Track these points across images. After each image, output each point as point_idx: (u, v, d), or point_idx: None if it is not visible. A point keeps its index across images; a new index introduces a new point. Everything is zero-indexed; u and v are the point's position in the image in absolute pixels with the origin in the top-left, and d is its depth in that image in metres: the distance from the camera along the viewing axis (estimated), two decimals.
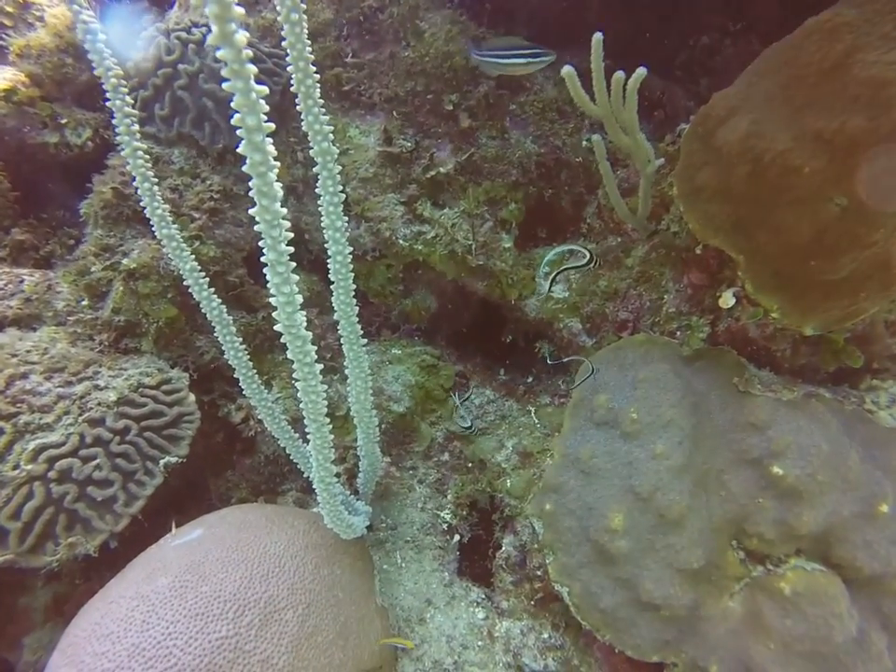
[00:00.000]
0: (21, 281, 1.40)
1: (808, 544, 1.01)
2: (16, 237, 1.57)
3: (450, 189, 1.63)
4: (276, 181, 0.52)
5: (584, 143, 1.81)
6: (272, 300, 0.61)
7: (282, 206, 0.56)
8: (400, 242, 1.57)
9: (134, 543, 1.23)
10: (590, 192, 1.82)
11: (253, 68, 0.46)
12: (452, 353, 1.77)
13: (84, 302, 1.38)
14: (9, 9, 1.68)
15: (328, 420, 0.80)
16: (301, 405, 0.76)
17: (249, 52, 0.45)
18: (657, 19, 2.09)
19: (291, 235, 0.57)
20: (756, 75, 0.97)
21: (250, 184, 0.52)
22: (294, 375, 0.71)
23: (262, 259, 0.58)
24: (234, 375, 1.21)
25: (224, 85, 0.47)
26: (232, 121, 0.49)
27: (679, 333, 1.41)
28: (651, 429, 1.23)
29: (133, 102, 0.86)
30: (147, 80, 1.52)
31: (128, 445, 1.16)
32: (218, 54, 0.45)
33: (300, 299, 0.62)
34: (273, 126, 0.50)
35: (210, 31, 1.51)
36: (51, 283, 1.42)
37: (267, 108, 0.49)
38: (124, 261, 1.36)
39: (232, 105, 0.48)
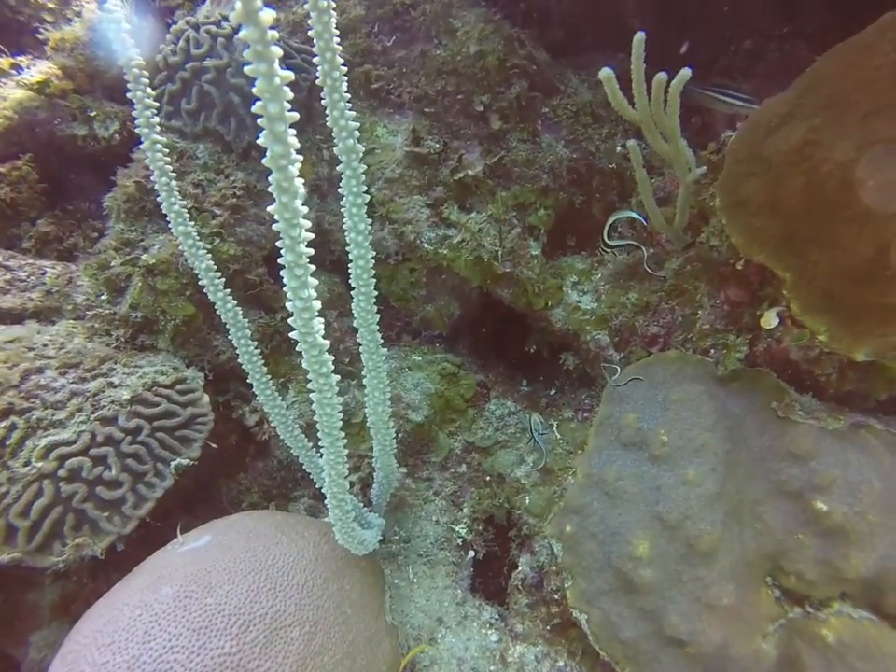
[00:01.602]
0: (44, 273, 1.39)
1: (855, 589, 0.93)
2: (41, 228, 1.58)
3: (478, 193, 1.58)
4: (298, 176, 0.48)
5: (618, 149, 1.75)
6: (288, 304, 0.57)
7: (304, 204, 0.52)
8: (425, 246, 1.52)
9: (143, 544, 1.20)
10: (622, 200, 1.75)
11: (278, 50, 0.42)
12: (473, 361, 1.72)
13: (103, 297, 1.37)
14: (51, 6, 1.70)
15: (342, 434, 0.75)
16: (315, 417, 0.72)
17: (275, 34, 0.41)
18: (696, 21, 2.02)
19: (311, 236, 0.53)
20: (815, 78, 0.90)
21: (270, 178, 0.48)
22: (309, 386, 0.66)
23: (280, 260, 0.54)
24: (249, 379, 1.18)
25: (246, 69, 0.43)
26: (254, 109, 0.44)
27: (713, 351, 1.34)
28: (683, 454, 1.16)
29: (153, 94, 0.83)
30: (176, 74, 1.51)
31: (139, 446, 1.14)
32: (241, 34, 0.41)
33: (318, 305, 0.58)
34: (296, 116, 0.46)
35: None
36: (72, 276, 1.41)
37: (291, 95, 0.45)
38: (143, 257, 1.34)
39: (254, 90, 0.44)
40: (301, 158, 0.48)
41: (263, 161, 0.47)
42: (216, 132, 1.55)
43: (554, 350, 1.70)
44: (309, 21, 0.65)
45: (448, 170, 1.56)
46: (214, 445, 1.22)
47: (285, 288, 0.56)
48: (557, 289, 1.60)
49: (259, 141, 0.46)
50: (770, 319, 1.10)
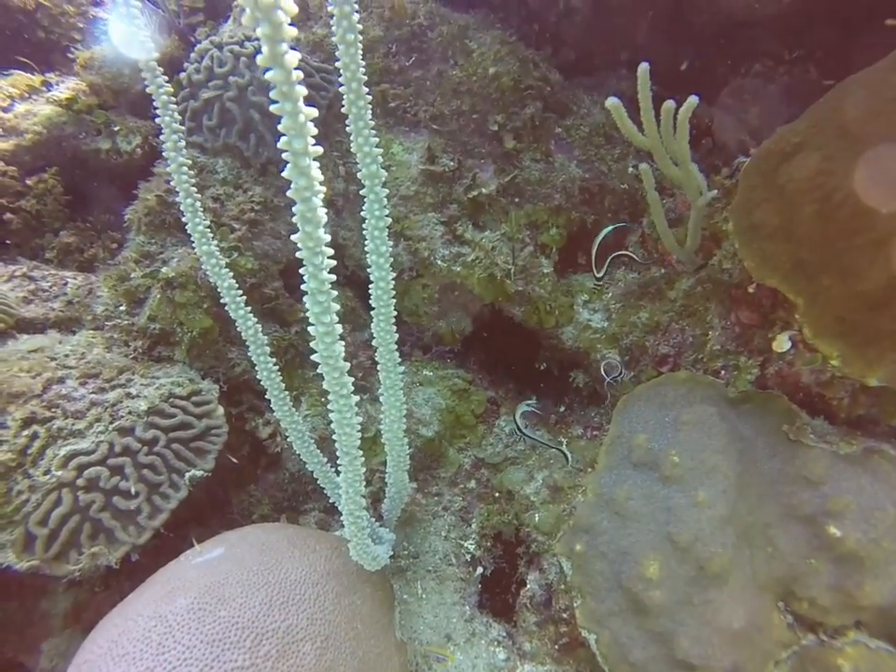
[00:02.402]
0: (65, 284, 1.42)
1: (871, 617, 0.92)
2: (63, 240, 1.61)
3: (491, 211, 1.60)
4: (321, 206, 0.50)
5: (630, 169, 1.77)
6: (310, 328, 0.59)
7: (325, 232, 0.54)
8: (438, 262, 1.54)
9: (154, 554, 1.22)
10: (633, 220, 1.77)
11: (303, 90, 0.44)
12: (484, 377, 1.73)
13: (122, 308, 1.39)
14: (81, 25, 1.76)
15: (360, 453, 0.77)
16: (334, 437, 0.73)
17: (299, 74, 0.44)
18: (707, 43, 2.05)
19: (334, 263, 0.55)
20: (828, 108, 0.92)
21: (294, 209, 0.50)
22: (329, 406, 0.68)
23: (303, 287, 0.56)
24: (265, 393, 1.19)
25: (272, 107, 0.45)
26: (279, 145, 0.47)
27: (723, 372, 1.34)
28: (694, 475, 1.17)
29: (181, 119, 0.86)
30: (199, 91, 1.54)
31: (155, 457, 1.16)
32: (268, 75, 0.43)
33: (340, 329, 0.59)
34: (320, 150, 0.48)
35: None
36: (93, 287, 1.44)
37: (315, 131, 0.47)
38: (163, 270, 1.36)
39: (280, 127, 0.46)
40: (324, 189, 0.50)
41: (288, 193, 0.49)
42: (235, 147, 1.58)
43: (564, 367, 1.71)
44: (331, 41, 0.67)
45: (462, 188, 1.58)
46: (235, 460, 1.24)
47: (308, 314, 0.57)
48: (568, 308, 1.61)
49: (283, 174, 0.48)
50: (782, 343, 1.11)
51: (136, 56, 0.82)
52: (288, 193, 0.51)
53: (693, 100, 1.10)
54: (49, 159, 1.59)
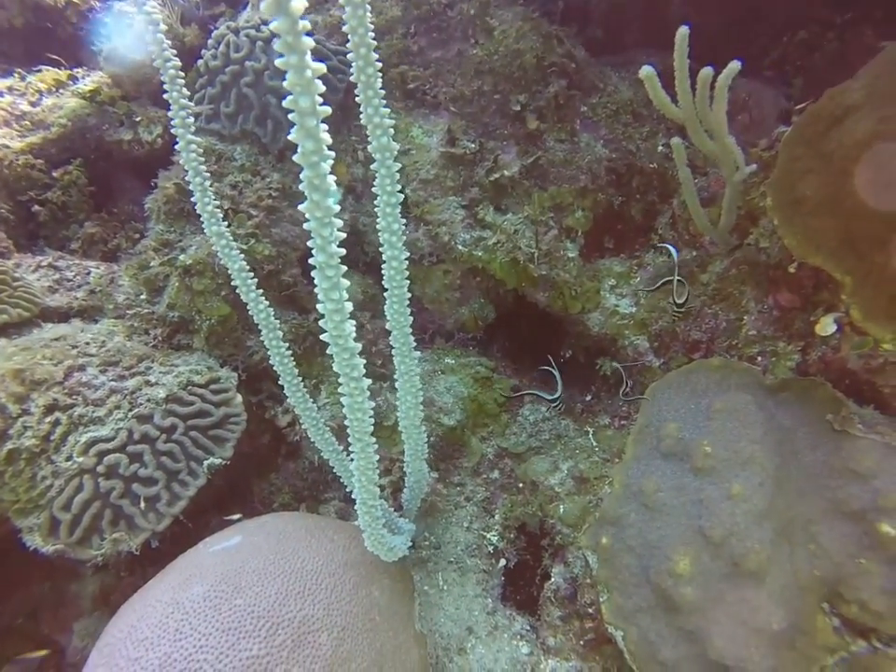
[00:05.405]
0: (88, 273, 1.44)
1: None
2: (88, 230, 1.63)
3: (513, 194, 1.55)
4: (330, 173, 0.46)
5: (660, 148, 1.69)
6: (319, 306, 0.56)
7: (336, 203, 0.50)
8: (459, 247, 1.50)
9: (177, 541, 1.22)
10: (663, 201, 1.69)
11: (310, 42, 0.40)
12: (507, 365, 1.68)
13: (143, 296, 1.40)
14: (107, 21, 1.77)
15: (373, 440, 0.74)
16: (346, 421, 0.71)
17: (307, 24, 0.39)
18: (745, 11, 1.93)
19: (343, 235, 0.51)
20: (887, 64, 0.83)
21: (301, 176, 0.46)
22: (340, 390, 0.65)
23: (311, 261, 0.53)
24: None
25: (277, 61, 0.41)
26: (284, 103, 0.43)
27: (760, 359, 1.27)
28: (728, 466, 1.10)
29: (194, 97, 0.84)
30: (216, 78, 1.53)
31: (173, 444, 1.16)
32: (272, 25, 0.39)
33: (349, 306, 0.56)
34: (328, 110, 0.44)
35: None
36: (115, 276, 1.45)
37: (323, 88, 0.43)
38: (181, 257, 1.36)
39: (285, 83, 0.42)
40: (333, 154, 0.46)
41: (294, 157, 0.45)
42: (253, 134, 1.57)
43: (590, 355, 1.65)
44: (344, 17, 0.63)
45: (484, 171, 1.53)
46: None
47: (316, 290, 0.54)
48: (595, 293, 1.55)
49: (290, 137, 0.45)
50: (826, 326, 1.03)
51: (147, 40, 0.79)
52: (294, 158, 0.47)
53: (734, 65, 1.02)
54: (74, 150, 1.61)
